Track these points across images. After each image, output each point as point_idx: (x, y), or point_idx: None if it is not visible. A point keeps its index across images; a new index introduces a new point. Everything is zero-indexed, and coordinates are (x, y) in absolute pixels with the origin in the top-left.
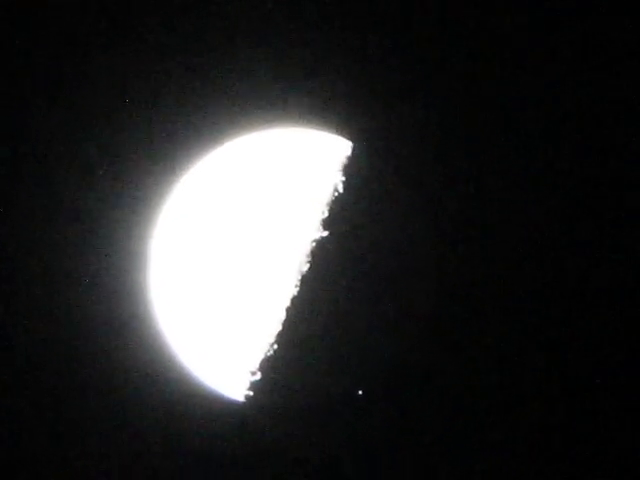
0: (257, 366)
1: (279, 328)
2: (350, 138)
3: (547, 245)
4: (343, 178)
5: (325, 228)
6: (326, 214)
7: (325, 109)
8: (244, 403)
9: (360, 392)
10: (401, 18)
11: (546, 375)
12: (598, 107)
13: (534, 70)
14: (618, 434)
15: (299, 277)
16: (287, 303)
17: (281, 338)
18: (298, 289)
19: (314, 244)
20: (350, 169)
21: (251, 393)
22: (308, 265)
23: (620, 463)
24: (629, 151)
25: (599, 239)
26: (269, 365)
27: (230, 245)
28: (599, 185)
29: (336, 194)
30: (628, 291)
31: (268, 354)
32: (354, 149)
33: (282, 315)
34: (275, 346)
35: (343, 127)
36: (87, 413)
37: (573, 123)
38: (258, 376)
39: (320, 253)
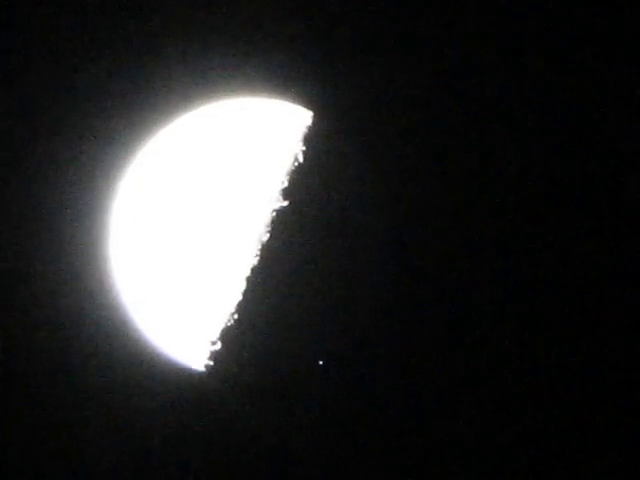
0: (217, 336)
1: (239, 298)
2: (311, 108)
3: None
4: (303, 148)
5: (285, 198)
6: (286, 184)
7: (286, 79)
8: (204, 373)
9: (320, 363)
10: None
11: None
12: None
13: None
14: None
15: (259, 247)
16: (247, 273)
17: (242, 308)
18: (258, 259)
19: (274, 214)
20: (310, 139)
21: (211, 363)
22: (268, 235)
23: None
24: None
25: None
26: (230, 335)
27: (190, 215)
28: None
29: (296, 164)
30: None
31: (229, 324)
32: (315, 119)
33: (242, 285)
34: (236, 316)
35: (304, 97)
36: (47, 385)
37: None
38: (218, 346)
39: (280, 223)
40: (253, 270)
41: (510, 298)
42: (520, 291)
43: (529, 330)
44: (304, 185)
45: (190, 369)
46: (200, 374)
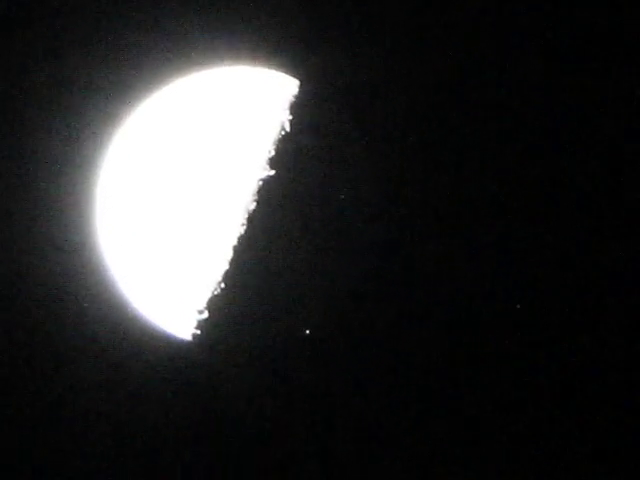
0: (204, 304)
1: (226, 266)
2: (298, 77)
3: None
4: (290, 117)
5: (272, 167)
6: (272, 153)
7: (273, 47)
8: (191, 342)
9: (307, 332)
10: None
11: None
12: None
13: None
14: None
15: (246, 216)
16: (234, 242)
17: (228, 276)
18: (245, 228)
19: (260, 183)
20: (297, 108)
21: (198, 332)
22: (255, 204)
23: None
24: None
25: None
26: (216, 303)
27: (177, 184)
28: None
29: (283, 133)
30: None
31: (215, 292)
32: (302, 88)
33: (229, 254)
34: (222, 284)
35: (291, 66)
36: (34, 354)
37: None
38: (205, 315)
39: (266, 192)
40: (240, 239)
41: (510, 298)
42: (520, 291)
43: (529, 330)
44: (290, 154)
45: (176, 338)
46: (186, 343)
